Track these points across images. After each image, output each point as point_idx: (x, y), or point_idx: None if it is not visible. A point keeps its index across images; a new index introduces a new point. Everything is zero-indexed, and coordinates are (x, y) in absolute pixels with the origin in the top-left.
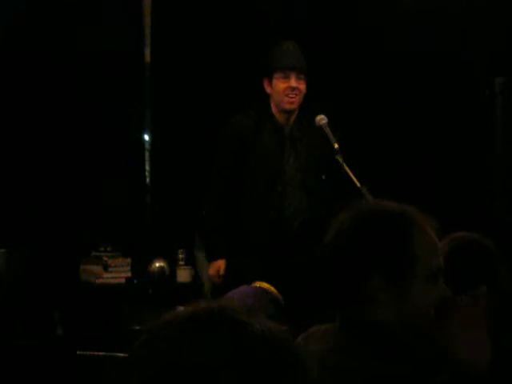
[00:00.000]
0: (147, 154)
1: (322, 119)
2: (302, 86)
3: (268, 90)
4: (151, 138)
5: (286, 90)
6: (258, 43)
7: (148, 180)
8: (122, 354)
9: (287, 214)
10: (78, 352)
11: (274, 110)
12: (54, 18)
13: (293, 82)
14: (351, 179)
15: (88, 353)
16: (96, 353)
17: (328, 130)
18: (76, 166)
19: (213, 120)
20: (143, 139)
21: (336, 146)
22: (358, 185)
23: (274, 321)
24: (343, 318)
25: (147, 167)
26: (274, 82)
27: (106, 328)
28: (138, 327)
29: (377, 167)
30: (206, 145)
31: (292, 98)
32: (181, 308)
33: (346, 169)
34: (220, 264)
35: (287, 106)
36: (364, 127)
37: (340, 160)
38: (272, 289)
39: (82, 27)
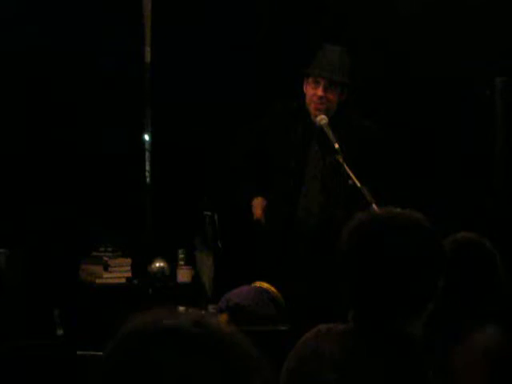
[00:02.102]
0: (147, 154)
1: (322, 119)
2: (332, 96)
3: (304, 89)
4: (151, 138)
5: (313, 96)
6: (258, 43)
7: (148, 180)
8: None
9: (300, 214)
10: (78, 352)
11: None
12: (54, 18)
13: (320, 92)
14: (352, 179)
15: (88, 353)
16: (96, 353)
17: (328, 130)
18: (76, 166)
19: (213, 120)
20: (143, 139)
21: (336, 146)
22: (359, 185)
23: (274, 320)
24: (362, 321)
25: (147, 167)
26: (307, 84)
27: (106, 328)
28: None
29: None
30: (206, 145)
31: (318, 105)
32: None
33: (347, 169)
34: (259, 201)
35: (312, 112)
36: None
37: (340, 160)
38: (272, 289)
39: (81, 27)
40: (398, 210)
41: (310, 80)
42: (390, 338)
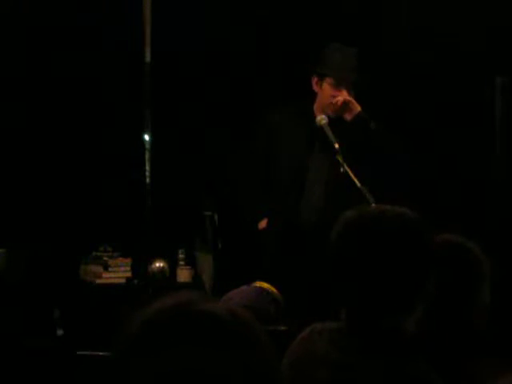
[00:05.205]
0: (147, 154)
1: (322, 119)
2: (351, 97)
3: (315, 88)
4: (151, 138)
5: (331, 97)
6: (259, 42)
7: (148, 180)
8: None
9: (303, 214)
10: (77, 352)
11: (316, 107)
12: (54, 18)
13: (345, 94)
14: (352, 179)
15: (88, 353)
16: (96, 353)
17: (328, 131)
18: (76, 166)
19: (213, 120)
20: (143, 139)
21: (336, 145)
22: (359, 185)
23: (274, 320)
24: (354, 319)
25: (147, 167)
26: (325, 85)
27: (106, 328)
28: None
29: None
30: (206, 145)
31: (338, 107)
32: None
33: (347, 169)
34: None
35: (331, 113)
36: None
37: (340, 160)
38: (272, 289)
39: (81, 27)
40: (387, 207)
41: (329, 80)
42: (382, 335)
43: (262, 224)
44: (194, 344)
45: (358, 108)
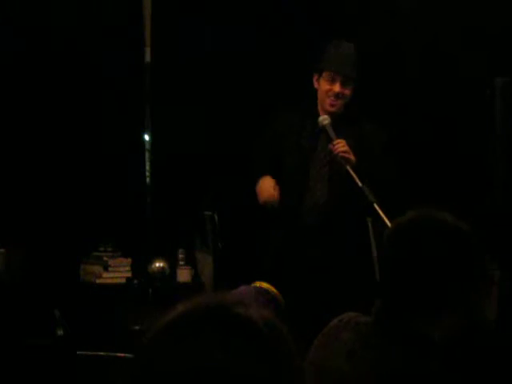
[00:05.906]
0: (147, 154)
1: (324, 119)
2: (347, 92)
3: (315, 85)
4: (151, 138)
5: (328, 92)
6: (258, 42)
7: (148, 180)
8: (122, 354)
9: (306, 212)
10: (78, 352)
11: (319, 105)
12: (54, 18)
13: (337, 88)
14: (353, 179)
15: (88, 353)
16: (96, 353)
17: (331, 131)
18: (76, 166)
19: (213, 120)
20: (143, 139)
21: None
22: (360, 184)
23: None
24: (383, 316)
25: (147, 167)
26: (321, 80)
27: (106, 328)
28: (137, 327)
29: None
30: (207, 144)
31: (333, 101)
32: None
33: (348, 169)
34: (268, 181)
35: (328, 108)
36: None
37: (342, 160)
38: (272, 289)
39: (81, 27)
40: (436, 212)
41: (325, 75)
42: (406, 336)
43: (269, 189)
44: (223, 346)
45: (353, 159)
